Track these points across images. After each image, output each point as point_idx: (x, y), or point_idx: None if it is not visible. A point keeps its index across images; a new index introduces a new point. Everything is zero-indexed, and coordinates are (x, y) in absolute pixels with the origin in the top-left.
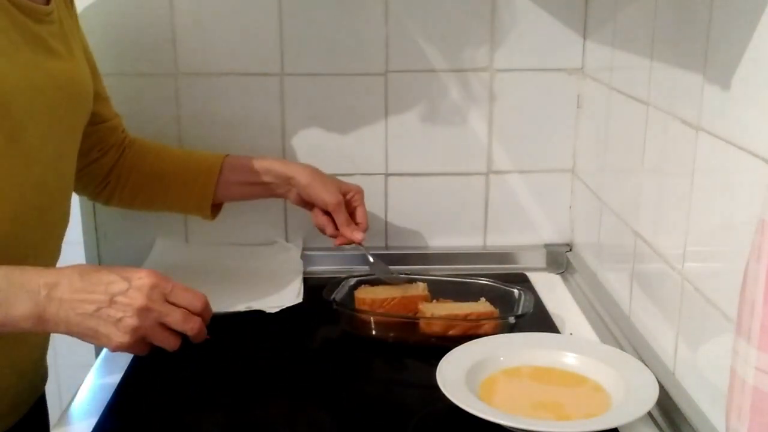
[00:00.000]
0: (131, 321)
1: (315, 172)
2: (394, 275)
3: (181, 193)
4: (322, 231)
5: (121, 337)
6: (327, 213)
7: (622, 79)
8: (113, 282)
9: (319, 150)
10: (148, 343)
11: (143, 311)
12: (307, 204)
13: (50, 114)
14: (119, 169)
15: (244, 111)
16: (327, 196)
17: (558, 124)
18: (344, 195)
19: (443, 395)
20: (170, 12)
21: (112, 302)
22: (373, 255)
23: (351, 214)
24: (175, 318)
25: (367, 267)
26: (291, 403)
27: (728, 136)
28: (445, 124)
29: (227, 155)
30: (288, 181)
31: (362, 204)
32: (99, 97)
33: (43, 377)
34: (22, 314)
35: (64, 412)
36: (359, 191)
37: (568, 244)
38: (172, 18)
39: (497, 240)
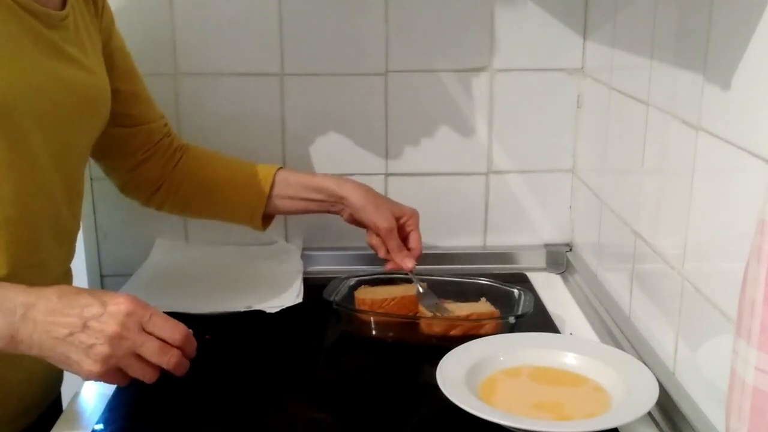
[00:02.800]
0: (102, 349)
1: (369, 193)
2: (443, 308)
3: (233, 204)
4: (375, 252)
5: (92, 365)
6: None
7: (622, 79)
8: (89, 305)
9: (319, 150)
10: (124, 373)
11: (115, 339)
12: (360, 224)
13: (56, 118)
14: (173, 175)
15: (244, 111)
16: (379, 221)
17: (558, 124)
18: (398, 219)
19: (443, 395)
20: (170, 12)
21: (84, 327)
22: (423, 285)
23: (404, 239)
24: (150, 349)
25: (356, 268)
26: (291, 403)
27: (728, 136)
28: (445, 124)
29: (280, 167)
30: (341, 200)
31: (416, 229)
32: (139, 98)
33: (56, 379)
34: None
35: (64, 412)
36: (414, 215)
37: (568, 244)
38: (172, 18)
39: (497, 240)
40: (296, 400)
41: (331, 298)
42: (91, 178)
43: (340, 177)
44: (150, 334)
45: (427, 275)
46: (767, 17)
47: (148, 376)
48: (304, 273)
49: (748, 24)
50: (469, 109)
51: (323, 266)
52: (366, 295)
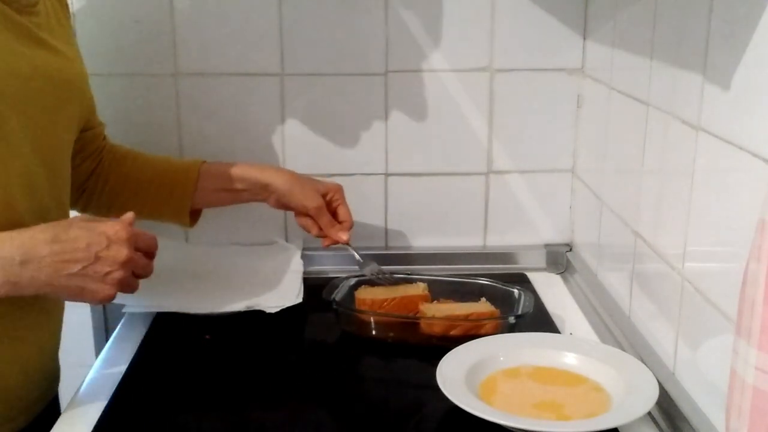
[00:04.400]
0: (117, 274)
1: (292, 177)
2: (386, 275)
3: (158, 201)
4: (308, 232)
5: (109, 289)
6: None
7: (622, 79)
8: (93, 239)
9: (319, 150)
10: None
11: (127, 263)
12: (287, 207)
13: (35, 104)
14: (96, 176)
15: (244, 111)
16: (307, 202)
17: (558, 124)
18: (324, 196)
19: (443, 395)
20: (170, 12)
21: (97, 258)
22: (361, 254)
23: (333, 213)
24: (142, 264)
25: (357, 267)
26: (291, 403)
27: (728, 136)
28: (445, 124)
29: (204, 162)
30: (266, 188)
31: (343, 202)
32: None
33: (54, 378)
34: None
35: (64, 412)
36: (338, 189)
37: (568, 244)
38: (172, 18)
39: (497, 240)
40: (296, 400)
41: (331, 298)
42: None
43: (262, 164)
44: (137, 250)
45: (427, 275)
46: (767, 17)
47: (135, 287)
48: (304, 273)
49: (748, 24)
50: (469, 109)
51: (323, 266)
52: (366, 295)
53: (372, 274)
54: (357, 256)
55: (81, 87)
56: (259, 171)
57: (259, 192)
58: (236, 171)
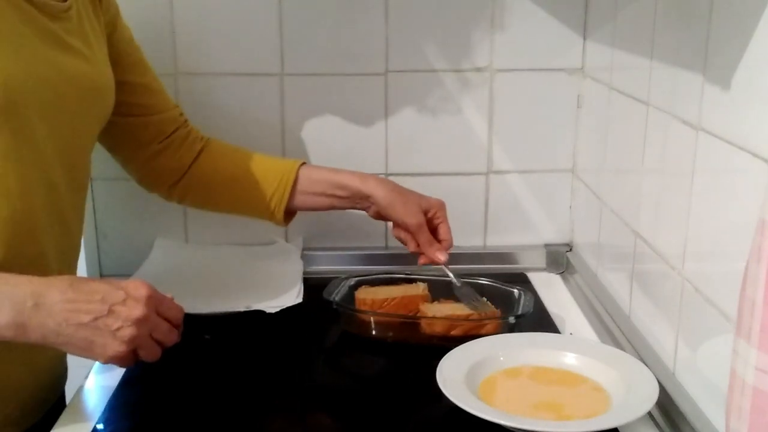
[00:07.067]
0: (129, 331)
1: (394, 189)
2: (481, 301)
3: (255, 199)
4: (404, 245)
5: (118, 346)
6: None
7: (622, 79)
8: (109, 292)
9: (319, 150)
10: (136, 354)
11: (142, 321)
12: (387, 219)
13: (60, 109)
14: (193, 167)
15: (244, 111)
16: (408, 218)
17: (558, 124)
18: (425, 212)
19: (443, 395)
20: (170, 12)
21: (110, 312)
22: (458, 278)
23: (433, 231)
24: (163, 330)
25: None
26: (291, 403)
27: (728, 136)
28: (445, 124)
29: (303, 163)
30: (367, 198)
31: (445, 220)
32: (148, 89)
33: (61, 378)
34: (2, 323)
35: (64, 412)
36: (441, 207)
37: (568, 244)
38: (172, 18)
39: (497, 240)
40: (296, 400)
41: (331, 298)
42: (91, 178)
43: (364, 173)
44: (159, 315)
45: (427, 275)
46: (767, 17)
47: (156, 355)
48: (304, 273)
49: (748, 24)
50: (469, 109)
51: (323, 266)
52: (366, 295)
53: (466, 300)
54: (454, 280)
55: (106, 91)
56: (361, 181)
57: (360, 202)
58: (338, 178)
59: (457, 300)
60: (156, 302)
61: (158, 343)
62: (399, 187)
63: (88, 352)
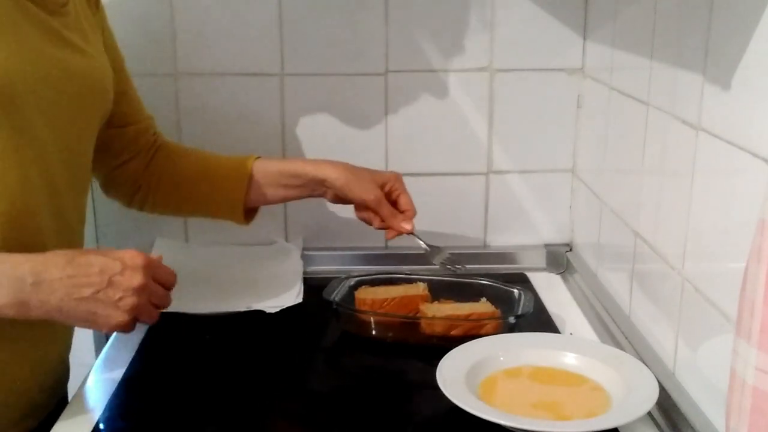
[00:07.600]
0: (131, 300)
1: (348, 170)
2: (458, 266)
3: (212, 199)
4: (369, 225)
5: (121, 316)
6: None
7: (622, 79)
8: (107, 263)
9: (319, 150)
10: (135, 321)
11: (141, 289)
12: (346, 201)
13: (60, 105)
14: (149, 173)
15: (244, 111)
16: (365, 195)
17: (558, 124)
18: (382, 186)
19: (443, 395)
20: (170, 12)
21: (110, 283)
22: (427, 243)
23: (394, 203)
24: (160, 295)
25: (358, 267)
26: (291, 403)
27: (728, 136)
28: (445, 124)
29: (258, 157)
30: (322, 183)
31: (404, 191)
32: (126, 97)
33: (64, 379)
34: (4, 302)
35: (65, 411)
36: (397, 178)
37: (568, 244)
38: (172, 18)
39: (497, 240)
40: (296, 400)
41: (331, 298)
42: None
43: (317, 160)
44: (154, 281)
45: (427, 275)
46: (767, 17)
47: (154, 319)
48: (304, 273)
49: (748, 24)
50: (469, 109)
51: (323, 266)
52: (366, 295)
53: (442, 262)
54: (424, 245)
55: (104, 87)
56: (314, 166)
57: (316, 188)
58: (291, 167)
59: (457, 300)
60: (152, 269)
61: (156, 306)
62: (352, 167)
63: (92, 324)
